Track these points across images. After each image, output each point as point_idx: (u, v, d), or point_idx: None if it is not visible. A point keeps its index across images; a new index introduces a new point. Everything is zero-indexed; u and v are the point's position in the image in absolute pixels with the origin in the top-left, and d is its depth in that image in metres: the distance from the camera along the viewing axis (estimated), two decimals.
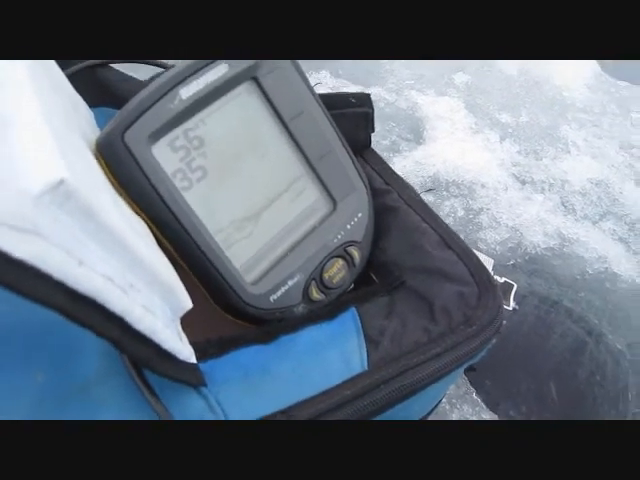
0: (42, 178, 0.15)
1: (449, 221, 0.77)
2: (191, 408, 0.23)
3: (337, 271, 0.32)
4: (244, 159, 0.29)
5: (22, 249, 0.14)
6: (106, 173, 0.24)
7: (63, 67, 0.30)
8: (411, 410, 0.29)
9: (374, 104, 0.36)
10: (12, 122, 0.16)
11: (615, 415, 0.73)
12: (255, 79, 0.29)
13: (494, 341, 0.30)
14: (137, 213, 0.25)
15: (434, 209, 0.37)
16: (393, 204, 0.34)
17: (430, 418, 0.42)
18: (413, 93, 0.93)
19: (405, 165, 0.82)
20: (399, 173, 0.39)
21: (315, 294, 0.31)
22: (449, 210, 0.78)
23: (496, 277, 0.64)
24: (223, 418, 0.23)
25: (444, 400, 0.58)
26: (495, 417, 0.61)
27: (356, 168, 0.32)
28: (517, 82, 1.02)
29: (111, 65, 0.33)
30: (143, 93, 0.25)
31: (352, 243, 0.32)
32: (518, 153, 0.89)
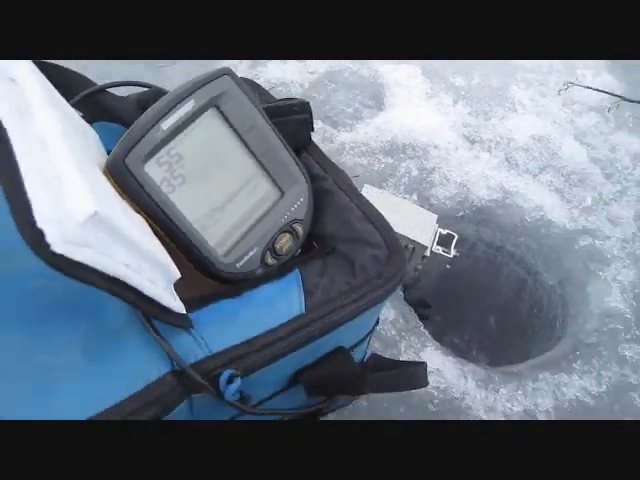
0: (83, 211, 0.26)
1: (404, 181, 0.85)
2: (183, 342, 0.34)
3: (285, 242, 0.42)
4: (212, 167, 0.39)
5: (80, 255, 0.25)
6: (114, 186, 0.35)
7: (67, 98, 0.39)
8: (338, 339, 0.41)
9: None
10: (59, 175, 0.27)
11: (549, 337, 0.86)
12: (217, 107, 0.38)
13: (399, 288, 0.41)
14: (138, 212, 0.36)
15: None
16: (329, 188, 0.45)
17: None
18: (375, 62, 0.98)
19: (367, 132, 0.88)
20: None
21: (270, 260, 0.41)
22: (404, 171, 0.85)
23: (440, 229, 0.73)
24: (205, 348, 0.35)
25: (394, 332, 0.70)
26: (438, 345, 0.73)
27: (297, 164, 0.43)
28: None
29: (106, 90, 0.43)
30: (136, 127, 0.35)
31: (296, 221, 0.42)
32: (469, 114, 0.96)
